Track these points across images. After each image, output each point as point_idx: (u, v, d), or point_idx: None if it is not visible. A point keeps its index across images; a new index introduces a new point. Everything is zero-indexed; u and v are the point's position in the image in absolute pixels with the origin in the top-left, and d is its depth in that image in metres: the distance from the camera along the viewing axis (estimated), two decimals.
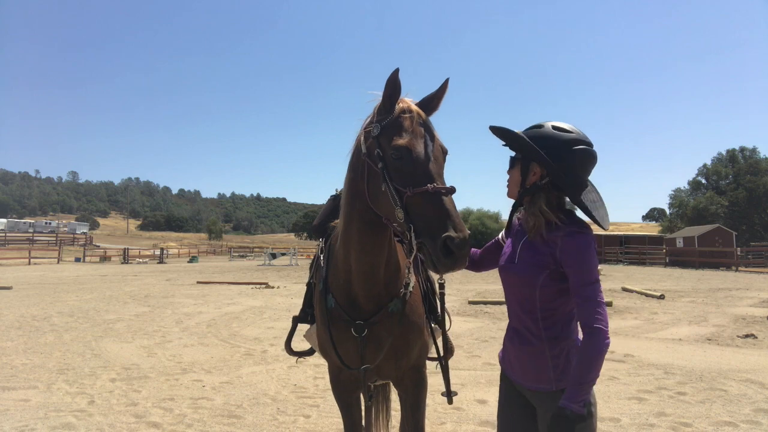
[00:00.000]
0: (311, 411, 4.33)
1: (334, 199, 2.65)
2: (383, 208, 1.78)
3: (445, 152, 1.84)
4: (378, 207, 1.81)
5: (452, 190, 1.65)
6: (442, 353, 2.47)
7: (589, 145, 1.67)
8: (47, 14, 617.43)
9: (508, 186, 1.82)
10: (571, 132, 1.66)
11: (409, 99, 1.89)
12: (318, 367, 5.72)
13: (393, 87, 1.79)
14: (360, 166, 1.89)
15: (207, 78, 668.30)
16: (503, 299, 2.03)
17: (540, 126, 1.71)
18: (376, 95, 1.89)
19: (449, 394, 2.27)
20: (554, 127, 1.68)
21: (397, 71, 1.74)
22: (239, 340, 7.59)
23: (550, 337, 1.69)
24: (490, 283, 16.88)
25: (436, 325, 2.41)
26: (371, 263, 2.00)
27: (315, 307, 2.39)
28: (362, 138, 1.89)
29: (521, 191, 1.74)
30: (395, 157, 1.71)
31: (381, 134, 1.78)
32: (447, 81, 1.90)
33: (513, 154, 1.79)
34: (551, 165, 1.63)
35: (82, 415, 4.18)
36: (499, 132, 1.77)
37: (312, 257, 3.08)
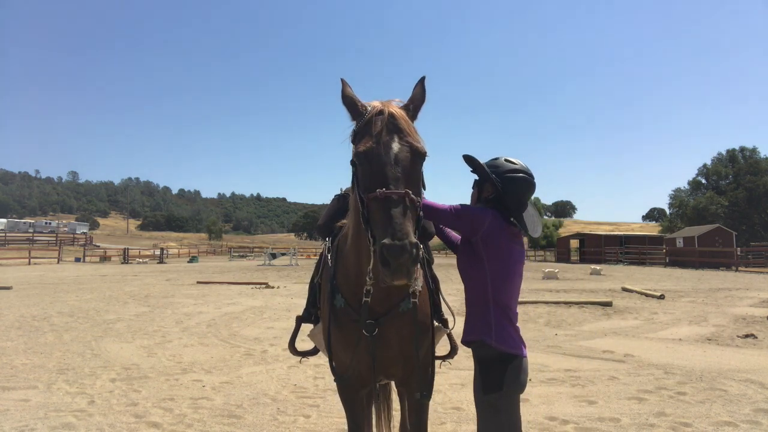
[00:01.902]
0: (311, 411, 4.33)
1: (339, 199, 2.64)
2: (362, 214, 1.79)
3: (417, 153, 1.79)
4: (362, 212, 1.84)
5: (403, 193, 1.62)
6: (443, 353, 2.48)
7: (529, 175, 2.21)
8: (47, 14, 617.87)
9: (470, 201, 2.40)
10: (517, 164, 2.22)
11: (397, 100, 1.93)
12: (318, 367, 5.72)
13: (343, 97, 1.91)
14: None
15: (207, 78, 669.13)
16: None
17: (497, 158, 2.28)
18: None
19: (429, 390, 2.20)
20: (506, 160, 2.24)
21: (341, 81, 1.91)
22: (239, 340, 7.59)
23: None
24: None
25: (440, 324, 2.41)
26: None
27: (322, 306, 2.37)
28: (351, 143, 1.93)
29: (477, 203, 2.32)
30: (357, 162, 1.76)
31: (354, 140, 1.83)
32: (422, 79, 1.98)
33: (476, 178, 2.34)
34: (497, 184, 2.17)
35: (82, 415, 4.18)
36: (468, 160, 2.28)
37: (312, 257, 3.07)
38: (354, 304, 2.11)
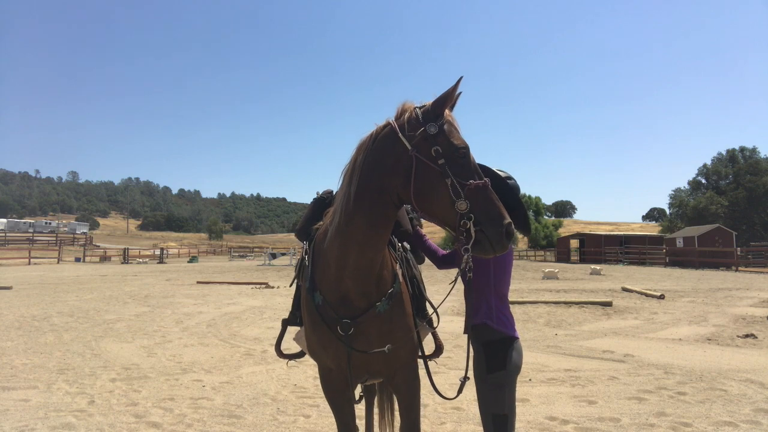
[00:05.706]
0: (311, 411, 4.33)
1: (316, 203, 2.65)
2: (436, 202, 1.87)
3: None
4: (426, 201, 1.90)
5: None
6: (427, 352, 2.49)
7: (515, 181, 2.49)
8: (47, 13, 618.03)
9: None
10: (506, 173, 2.49)
11: (429, 102, 1.98)
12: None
13: (453, 93, 1.95)
14: (398, 163, 1.93)
15: (207, 78, 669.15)
16: None
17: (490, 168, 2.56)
18: (413, 102, 2.03)
19: (436, 390, 2.34)
20: (498, 170, 2.49)
21: (460, 79, 1.93)
22: (239, 340, 7.59)
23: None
24: None
25: (425, 323, 2.42)
26: (371, 259, 2.04)
27: (302, 308, 2.39)
28: (402, 136, 1.93)
29: None
30: (460, 155, 1.88)
31: (439, 134, 1.90)
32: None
33: None
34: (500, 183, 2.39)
35: (82, 415, 4.18)
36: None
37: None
38: (333, 301, 2.12)
